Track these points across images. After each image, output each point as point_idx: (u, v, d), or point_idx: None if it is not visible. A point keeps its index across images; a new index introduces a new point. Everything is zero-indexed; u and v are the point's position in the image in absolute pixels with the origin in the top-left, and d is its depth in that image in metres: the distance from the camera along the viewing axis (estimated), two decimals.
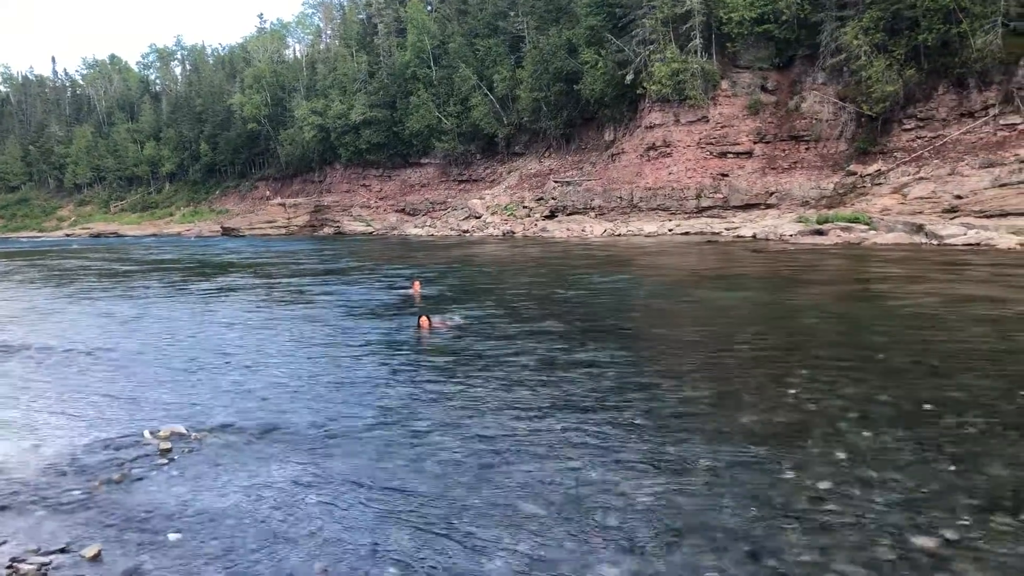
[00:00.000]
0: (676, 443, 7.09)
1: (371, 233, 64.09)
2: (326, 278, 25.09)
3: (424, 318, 13.51)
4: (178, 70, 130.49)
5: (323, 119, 75.94)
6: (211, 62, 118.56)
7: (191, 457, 7.10)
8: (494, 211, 56.44)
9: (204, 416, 8.48)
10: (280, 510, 5.86)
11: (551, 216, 51.83)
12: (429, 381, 9.94)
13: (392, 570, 4.88)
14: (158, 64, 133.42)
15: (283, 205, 78.31)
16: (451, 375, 10.16)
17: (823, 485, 5.94)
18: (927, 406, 7.95)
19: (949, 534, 5.05)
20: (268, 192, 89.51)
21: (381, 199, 73.10)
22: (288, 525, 5.60)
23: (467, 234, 52.80)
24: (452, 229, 55.91)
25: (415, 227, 61.06)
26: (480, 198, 59.96)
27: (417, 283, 19.14)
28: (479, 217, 56.44)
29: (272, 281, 24.84)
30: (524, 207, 55.27)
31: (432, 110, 66.15)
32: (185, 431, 7.78)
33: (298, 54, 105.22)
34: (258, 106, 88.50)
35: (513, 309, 16.02)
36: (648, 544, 5.12)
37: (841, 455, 6.53)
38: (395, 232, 61.22)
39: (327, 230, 69.93)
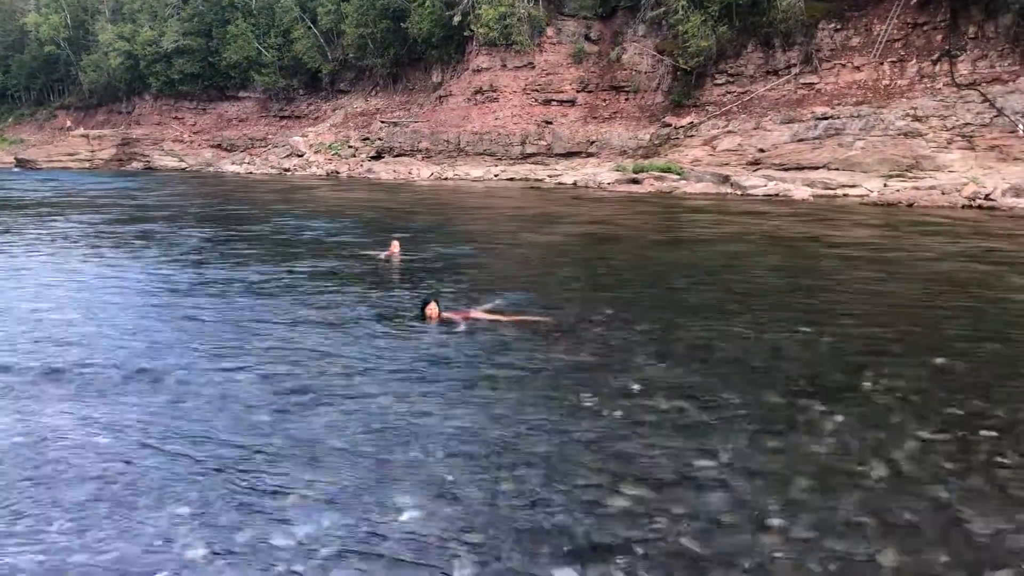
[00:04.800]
0: (482, 379, 7.25)
1: (184, 169, 60.56)
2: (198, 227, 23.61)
3: (432, 306, 9.47)
4: None
5: (131, 46, 70.36)
6: None
7: None
8: (318, 149, 54.70)
9: None
10: (54, 451, 5.54)
11: (378, 157, 50.89)
12: (252, 321, 9.63)
13: (185, 509, 4.73)
14: None
15: (86, 137, 72.37)
16: (263, 319, 9.90)
17: (617, 414, 6.27)
18: (718, 341, 8.52)
19: (726, 457, 5.47)
20: (69, 122, 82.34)
21: (195, 133, 69.04)
22: (64, 466, 5.31)
23: (288, 172, 50.97)
24: (272, 167, 53.73)
25: (232, 164, 58.17)
26: (303, 135, 57.85)
27: (396, 243, 14.78)
28: (301, 155, 54.55)
29: (133, 228, 23.08)
30: (349, 147, 53.90)
31: (251, 41, 62.77)
32: None
33: None
34: (56, 27, 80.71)
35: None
36: (450, 474, 5.22)
37: (636, 387, 6.89)
38: (210, 169, 58.13)
39: (136, 164, 65.43)
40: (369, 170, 47.47)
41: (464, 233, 19.26)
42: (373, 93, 59.30)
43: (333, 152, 53.44)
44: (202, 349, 8.31)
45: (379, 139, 52.31)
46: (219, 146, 65.49)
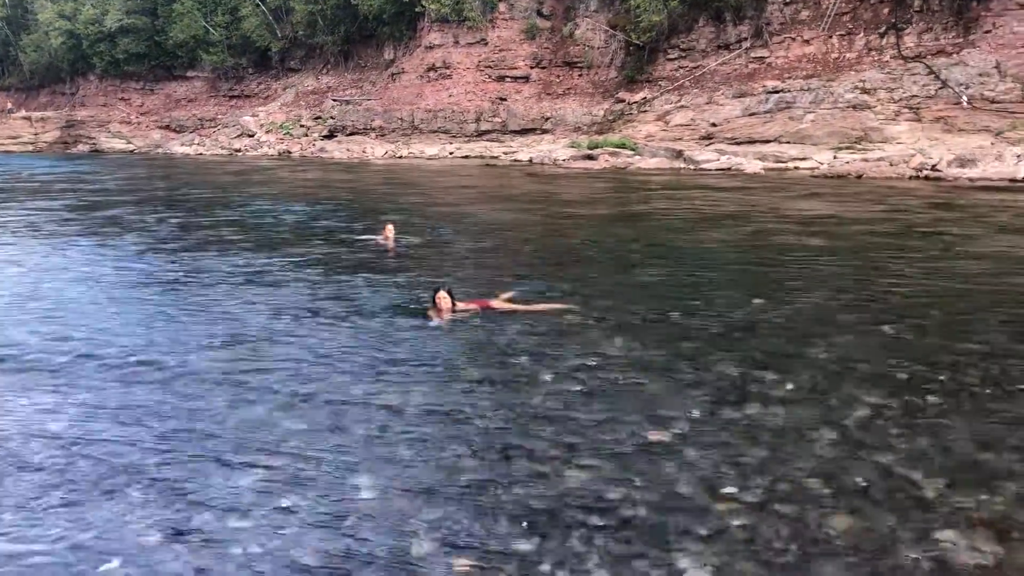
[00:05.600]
0: (439, 356, 7.26)
1: (132, 151, 59.21)
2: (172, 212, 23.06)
3: (443, 296, 8.59)
4: None
5: (73, 25, 68.40)
6: None
7: None
8: (269, 129, 53.88)
9: None
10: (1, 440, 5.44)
11: (330, 136, 50.29)
12: (196, 309, 9.50)
13: (137, 495, 4.68)
14: None
15: (29, 119, 70.38)
16: (214, 300, 9.77)
17: (576, 388, 6.32)
18: (674, 314, 8.62)
19: (680, 427, 5.54)
20: (10, 104, 79.96)
21: (143, 114, 67.53)
22: (12, 456, 5.21)
23: (239, 153, 50.12)
24: (223, 148, 52.79)
25: (182, 145, 57.05)
26: (253, 115, 56.93)
27: (390, 226, 13.93)
28: (252, 135, 53.69)
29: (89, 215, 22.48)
30: (301, 126, 53.16)
31: (198, 19, 61.41)
32: None
33: None
34: None
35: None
36: (408, 451, 5.23)
37: (593, 362, 6.95)
38: (159, 150, 56.91)
39: (81, 147, 63.83)
40: (322, 149, 46.93)
41: (450, 215, 18.73)
42: (324, 71, 58.49)
43: (284, 132, 52.68)
44: (160, 336, 8.18)
45: (331, 118, 51.70)
46: (168, 127, 64.14)
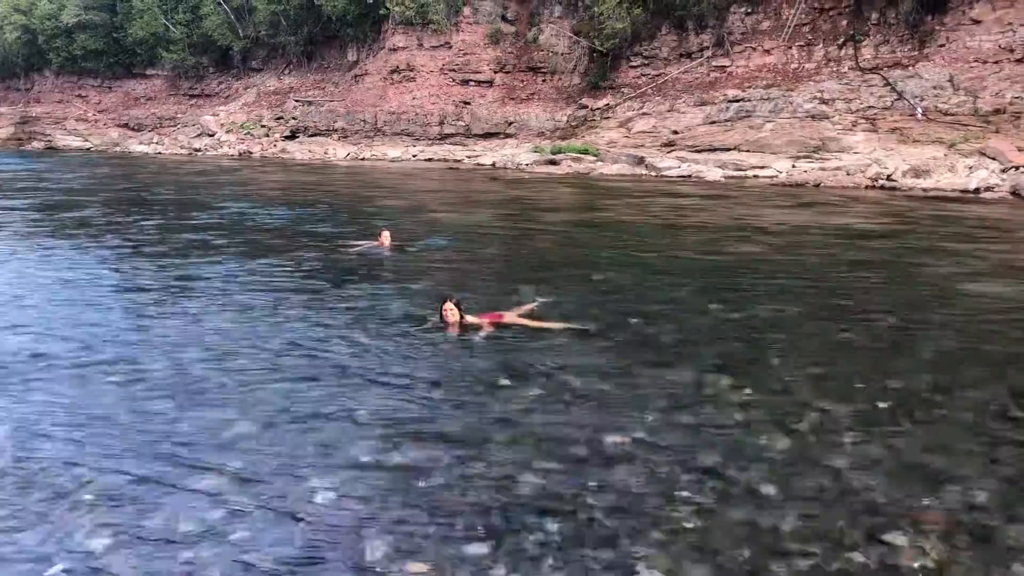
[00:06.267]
0: (400, 358, 7.23)
1: (89, 149, 58.11)
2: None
3: (450, 307, 8.04)
4: None
5: (28, 19, 67.05)
6: None
7: None
8: (229, 129, 53.25)
9: None
10: None
11: (292, 137, 49.86)
12: (148, 304, 9.36)
13: (87, 497, 4.59)
14: None
15: None
16: (164, 303, 9.63)
17: (532, 393, 6.33)
18: (633, 320, 8.67)
19: (637, 432, 5.58)
20: None
21: (100, 112, 66.36)
22: None
23: (199, 153, 49.46)
24: (182, 147, 52.05)
25: (141, 144, 56.13)
26: (214, 115, 56.24)
27: (386, 232, 13.25)
28: (213, 135, 53.02)
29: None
30: (263, 126, 52.62)
31: (158, 16, 60.51)
32: None
33: None
34: None
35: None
36: (365, 455, 5.19)
37: (551, 367, 6.97)
38: (117, 149, 55.92)
39: (36, 144, 62.53)
40: (283, 150, 46.51)
41: (435, 221, 18.16)
42: (287, 71, 57.98)
43: (245, 132, 52.12)
44: (136, 340, 8.05)
45: (293, 118, 51.27)
46: (126, 125, 63.12)
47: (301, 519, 4.39)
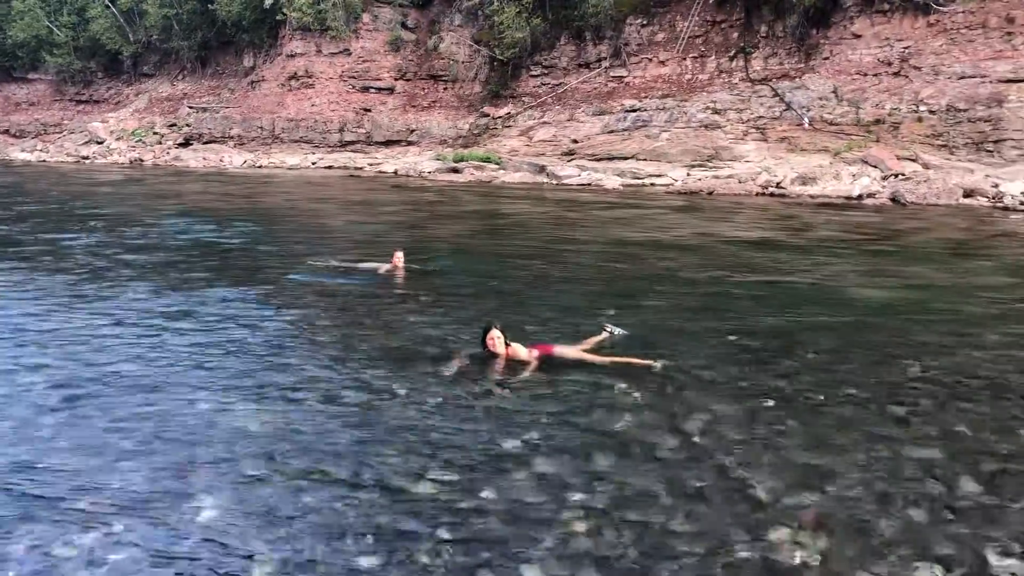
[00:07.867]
0: (291, 369, 7.09)
1: None
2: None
3: (494, 337, 7.17)
4: None
5: None
6: None
7: None
8: (119, 136, 51.32)
9: None
10: None
11: (185, 144, 48.39)
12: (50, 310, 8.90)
13: None
14: None
15: None
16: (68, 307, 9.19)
17: (427, 402, 6.29)
18: (529, 326, 8.72)
19: (531, 437, 5.61)
20: None
21: None
22: None
23: (87, 160, 47.42)
24: (69, 155, 49.85)
25: (23, 151, 53.44)
26: (103, 121, 54.06)
27: (399, 254, 11.97)
28: (102, 142, 50.96)
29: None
30: (155, 133, 50.89)
31: (41, 18, 57.79)
32: None
33: None
34: None
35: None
36: (253, 470, 5.06)
37: (445, 375, 6.95)
38: None
39: None
40: (176, 158, 45.11)
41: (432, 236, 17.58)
42: (180, 77, 56.29)
43: (137, 139, 50.35)
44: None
45: (187, 125, 49.82)
46: (7, 131, 60.00)
47: (186, 538, 4.25)
